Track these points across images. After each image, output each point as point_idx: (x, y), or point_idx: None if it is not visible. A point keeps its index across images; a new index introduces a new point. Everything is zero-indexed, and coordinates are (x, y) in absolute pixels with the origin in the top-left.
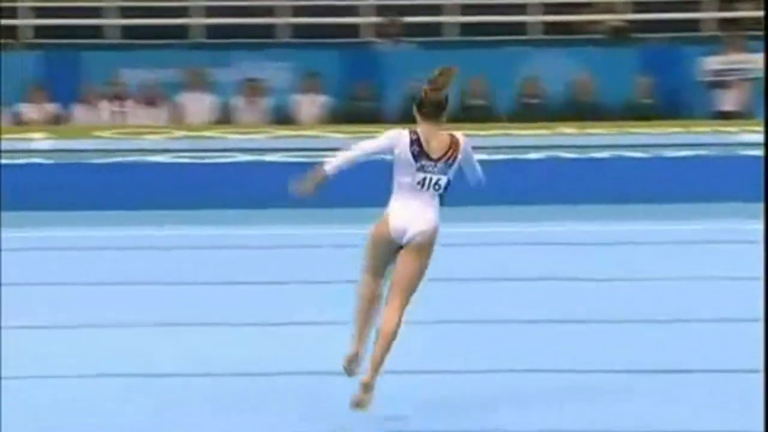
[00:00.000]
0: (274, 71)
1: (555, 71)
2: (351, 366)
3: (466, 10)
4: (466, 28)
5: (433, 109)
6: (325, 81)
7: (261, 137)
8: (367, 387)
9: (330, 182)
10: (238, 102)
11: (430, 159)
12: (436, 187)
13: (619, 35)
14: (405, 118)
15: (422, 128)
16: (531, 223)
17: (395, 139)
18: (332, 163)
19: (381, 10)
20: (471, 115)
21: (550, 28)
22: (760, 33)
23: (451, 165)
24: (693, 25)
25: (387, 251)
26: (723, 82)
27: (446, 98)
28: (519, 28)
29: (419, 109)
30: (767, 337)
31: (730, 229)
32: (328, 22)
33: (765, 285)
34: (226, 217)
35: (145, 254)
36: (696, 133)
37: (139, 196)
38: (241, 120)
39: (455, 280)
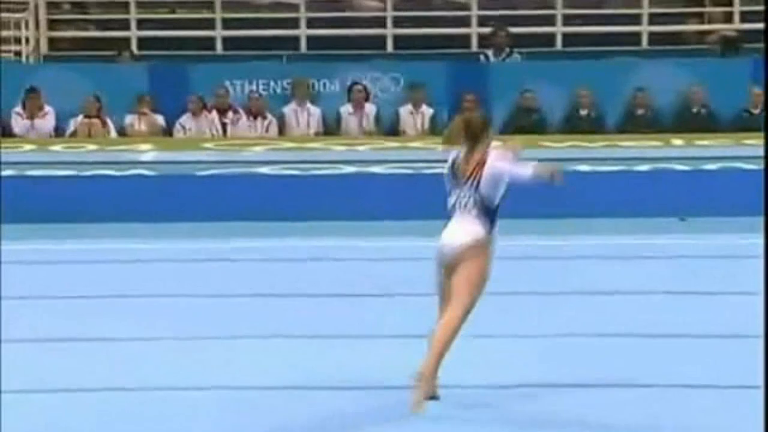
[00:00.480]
0: (380, 82)
1: (665, 83)
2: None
3: (571, 20)
4: (571, 39)
5: (466, 134)
6: (431, 92)
7: (366, 149)
8: (422, 384)
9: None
10: (345, 110)
11: (459, 180)
12: (467, 206)
13: (731, 45)
14: (512, 130)
15: (461, 155)
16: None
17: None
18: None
19: (487, 20)
20: (578, 126)
21: (659, 38)
22: None
23: (476, 186)
24: None
25: (440, 272)
26: None
27: (475, 126)
28: (628, 38)
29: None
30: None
31: None
32: (434, 33)
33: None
34: (330, 229)
35: (255, 265)
36: None
37: (245, 208)
38: (347, 129)
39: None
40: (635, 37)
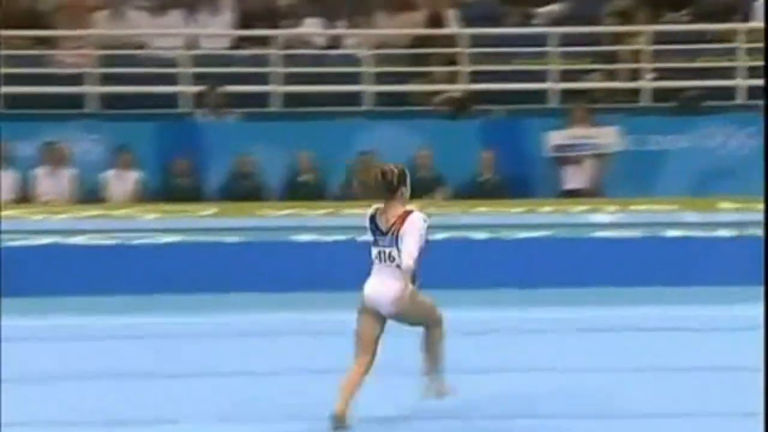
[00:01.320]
0: (81, 143)
1: (392, 145)
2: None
3: (290, 78)
4: (291, 98)
5: (380, 188)
6: (138, 155)
7: (65, 217)
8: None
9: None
10: (38, 173)
11: (382, 233)
12: (391, 259)
13: (460, 107)
14: (228, 196)
15: (380, 208)
16: None
17: (365, 219)
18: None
19: (200, 78)
20: (299, 192)
21: (384, 98)
22: (608, 105)
23: (396, 238)
24: (537, 96)
25: (363, 319)
26: (569, 158)
27: (391, 176)
28: (351, 98)
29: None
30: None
31: (578, 318)
32: (141, 92)
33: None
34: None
35: None
36: (542, 213)
37: None
38: (43, 196)
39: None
40: (356, 98)
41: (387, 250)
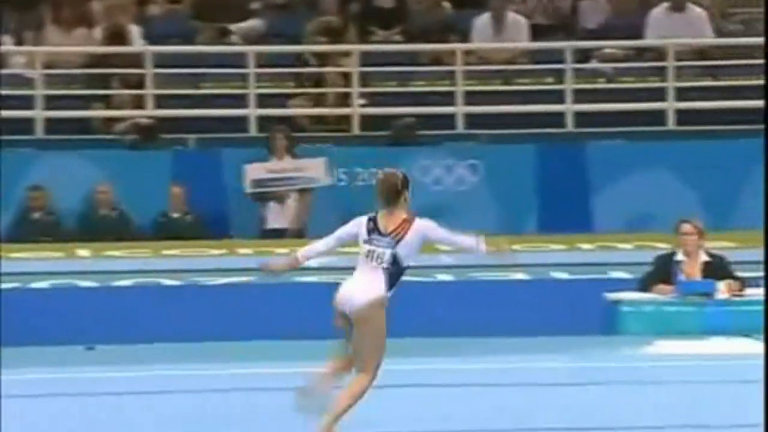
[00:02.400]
0: None
1: (67, 179)
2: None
3: None
4: None
5: (383, 197)
6: None
7: None
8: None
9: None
10: None
11: (381, 234)
12: (380, 260)
13: (146, 135)
14: None
15: (381, 212)
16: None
17: (358, 224)
18: (305, 249)
19: None
20: None
21: (59, 125)
22: (314, 134)
23: (398, 240)
24: (234, 123)
25: (342, 322)
26: (271, 194)
27: (395, 180)
28: (20, 125)
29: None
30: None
31: None
32: None
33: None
34: None
35: None
36: (241, 255)
37: None
38: None
39: None
40: (26, 124)
41: (380, 251)
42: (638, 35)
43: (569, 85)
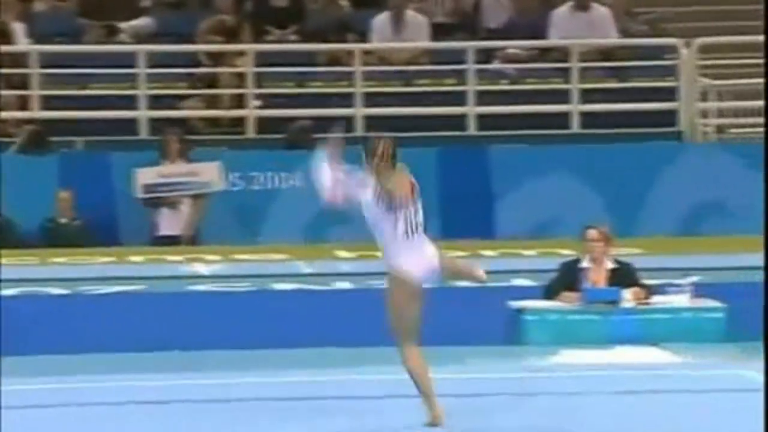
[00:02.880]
0: None
1: None
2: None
3: None
4: None
5: (386, 160)
6: None
7: None
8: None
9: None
10: None
11: (398, 205)
12: (419, 228)
13: (31, 138)
14: None
15: (378, 187)
16: None
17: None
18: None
19: None
20: None
21: None
22: (208, 137)
23: (416, 201)
24: (123, 126)
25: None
26: (163, 200)
27: (394, 147)
28: None
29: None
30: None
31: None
32: None
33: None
34: None
35: None
36: (131, 263)
37: None
38: None
39: None
40: None
41: (415, 219)
42: (542, 35)
43: (471, 87)
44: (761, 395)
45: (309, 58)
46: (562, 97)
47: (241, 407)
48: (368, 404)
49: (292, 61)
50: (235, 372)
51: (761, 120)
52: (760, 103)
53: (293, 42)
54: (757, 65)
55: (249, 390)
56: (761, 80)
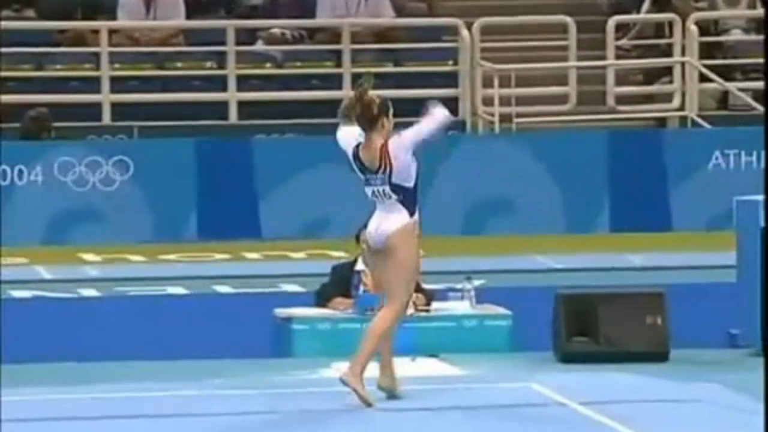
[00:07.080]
0: None
1: None
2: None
3: None
4: None
5: (358, 115)
6: None
7: None
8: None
9: None
10: None
11: (371, 171)
12: (387, 196)
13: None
14: None
15: (360, 141)
16: None
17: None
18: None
19: None
20: None
21: None
22: None
23: (389, 175)
24: None
25: (370, 257)
26: None
27: (370, 103)
28: None
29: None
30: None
31: None
32: None
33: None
34: None
35: None
36: None
37: None
38: None
39: None
40: None
41: (381, 188)
42: (310, 14)
43: (232, 71)
44: (551, 410)
45: (48, 38)
46: (334, 82)
47: None
48: None
49: (30, 41)
50: None
51: (550, 108)
52: (548, 89)
53: (30, 19)
54: (544, 48)
55: None
56: (549, 64)
